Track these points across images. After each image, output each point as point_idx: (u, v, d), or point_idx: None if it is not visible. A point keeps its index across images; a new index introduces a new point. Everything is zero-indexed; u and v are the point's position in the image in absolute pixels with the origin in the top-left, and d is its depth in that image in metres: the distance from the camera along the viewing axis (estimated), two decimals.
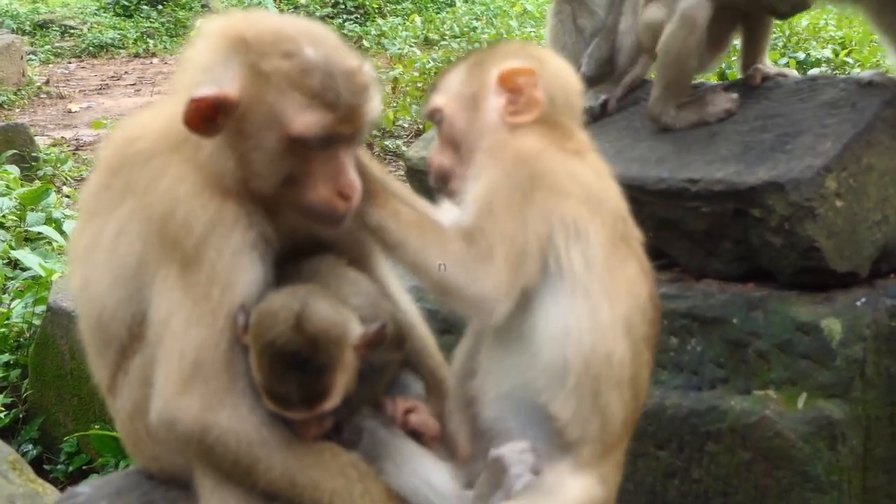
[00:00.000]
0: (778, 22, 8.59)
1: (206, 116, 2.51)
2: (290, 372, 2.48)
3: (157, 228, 2.58)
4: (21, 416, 6.00)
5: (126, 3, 20.37)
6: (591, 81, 4.60)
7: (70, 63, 17.85)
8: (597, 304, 2.52)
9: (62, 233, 7.44)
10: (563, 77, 2.82)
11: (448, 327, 3.92)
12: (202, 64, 2.59)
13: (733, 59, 8.01)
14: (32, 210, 7.98)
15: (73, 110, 14.31)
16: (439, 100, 2.82)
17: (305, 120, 2.49)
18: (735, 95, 4.20)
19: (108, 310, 2.71)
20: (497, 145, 2.65)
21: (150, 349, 2.60)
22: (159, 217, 2.58)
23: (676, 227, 4.01)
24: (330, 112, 2.50)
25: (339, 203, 2.56)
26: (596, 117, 4.52)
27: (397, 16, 18.37)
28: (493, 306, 2.50)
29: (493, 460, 2.58)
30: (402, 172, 5.03)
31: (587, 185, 2.61)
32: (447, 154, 2.78)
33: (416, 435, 2.73)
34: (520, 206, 2.52)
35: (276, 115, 2.50)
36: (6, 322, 6.32)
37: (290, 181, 2.55)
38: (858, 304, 3.76)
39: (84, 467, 5.61)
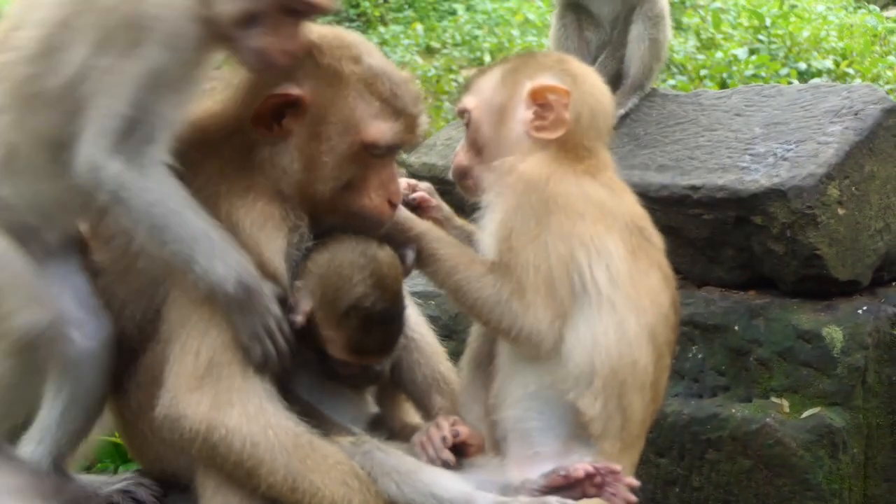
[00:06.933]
0: (779, 33, 8.60)
1: (275, 116, 2.52)
2: (379, 326, 2.64)
3: None
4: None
5: None
6: None
7: None
8: (623, 317, 2.56)
9: None
10: (594, 97, 2.79)
11: (449, 333, 3.91)
12: None
13: (733, 68, 8.06)
14: None
15: None
16: (470, 101, 2.82)
17: (379, 127, 2.55)
18: None
19: (116, 302, 2.67)
20: (507, 171, 2.66)
21: (162, 346, 2.58)
22: None
23: (678, 235, 4.00)
24: (398, 120, 2.57)
25: (386, 210, 2.62)
26: None
27: (399, 24, 18.30)
28: (540, 339, 2.55)
29: None
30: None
31: (600, 202, 2.63)
32: (469, 154, 2.80)
33: (461, 448, 2.69)
34: (536, 232, 2.55)
35: (353, 119, 2.54)
36: None
37: (347, 187, 2.59)
38: (860, 312, 3.76)
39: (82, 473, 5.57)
